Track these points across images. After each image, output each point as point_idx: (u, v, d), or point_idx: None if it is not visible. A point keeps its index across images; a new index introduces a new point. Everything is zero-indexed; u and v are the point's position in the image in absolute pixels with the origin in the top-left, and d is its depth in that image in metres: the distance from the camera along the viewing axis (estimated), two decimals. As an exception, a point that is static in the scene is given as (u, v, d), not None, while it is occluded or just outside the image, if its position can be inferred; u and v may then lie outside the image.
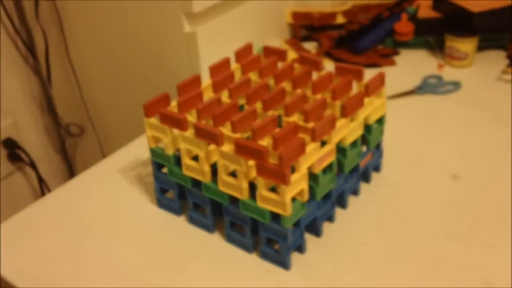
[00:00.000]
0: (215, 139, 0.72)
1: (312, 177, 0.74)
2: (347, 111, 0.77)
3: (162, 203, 0.87)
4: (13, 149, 1.44)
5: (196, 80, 0.84)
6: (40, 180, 1.50)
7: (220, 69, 0.88)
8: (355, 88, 0.86)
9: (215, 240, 0.81)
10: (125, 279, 0.75)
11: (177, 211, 0.85)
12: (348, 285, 0.72)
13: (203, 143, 0.75)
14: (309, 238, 0.79)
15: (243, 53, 0.92)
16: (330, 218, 0.82)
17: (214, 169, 0.77)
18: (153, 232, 0.83)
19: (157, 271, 0.76)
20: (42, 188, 1.52)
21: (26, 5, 1.37)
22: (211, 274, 0.75)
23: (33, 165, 1.47)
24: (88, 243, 0.81)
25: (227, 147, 0.72)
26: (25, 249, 0.81)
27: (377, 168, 0.92)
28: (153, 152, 0.83)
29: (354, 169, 0.85)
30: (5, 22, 1.36)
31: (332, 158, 0.76)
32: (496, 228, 0.79)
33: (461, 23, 1.22)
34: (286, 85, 0.87)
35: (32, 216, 0.88)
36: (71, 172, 1.63)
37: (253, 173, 0.72)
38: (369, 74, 1.22)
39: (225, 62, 0.89)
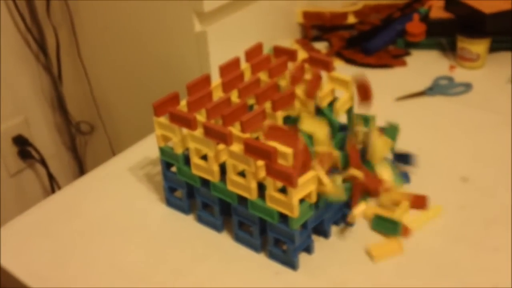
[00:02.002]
0: (224, 138, 0.72)
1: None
2: None
3: (171, 202, 0.87)
4: (24, 146, 1.45)
5: (206, 79, 0.84)
6: (50, 177, 1.51)
7: (229, 69, 0.88)
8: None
9: (224, 240, 0.81)
10: (133, 278, 0.75)
11: (185, 210, 0.86)
12: (355, 286, 0.72)
13: (212, 142, 0.75)
14: (317, 239, 0.79)
15: (253, 53, 0.91)
16: (338, 220, 0.82)
17: (222, 168, 0.77)
18: (161, 231, 0.83)
19: (165, 270, 0.76)
20: (52, 185, 1.52)
21: (37, 3, 1.38)
22: (219, 274, 0.75)
23: (43, 162, 1.48)
24: (97, 241, 0.82)
25: (236, 147, 0.72)
26: (34, 247, 0.81)
27: (386, 170, 0.92)
28: (162, 151, 0.83)
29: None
30: (17, 20, 1.37)
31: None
32: (506, 231, 0.78)
33: (473, 24, 1.21)
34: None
35: (41, 213, 0.88)
36: (81, 169, 1.63)
37: (262, 173, 0.72)
38: (380, 74, 1.22)
39: (235, 62, 0.89)
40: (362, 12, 1.40)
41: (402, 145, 0.94)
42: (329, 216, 0.78)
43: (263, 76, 0.89)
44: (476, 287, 0.70)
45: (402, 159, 0.91)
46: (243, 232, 0.79)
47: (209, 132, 0.74)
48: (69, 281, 0.75)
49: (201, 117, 0.79)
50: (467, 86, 1.14)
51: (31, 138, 1.46)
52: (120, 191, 0.92)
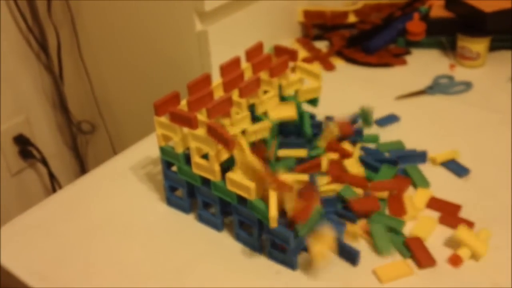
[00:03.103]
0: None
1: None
2: None
3: (172, 201, 0.87)
4: (25, 145, 1.45)
5: (207, 79, 0.84)
6: (52, 176, 1.51)
7: (230, 68, 0.88)
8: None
9: (224, 239, 0.81)
10: (133, 277, 0.75)
11: (186, 209, 0.86)
12: (356, 285, 0.72)
13: (213, 141, 0.75)
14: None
15: (254, 52, 0.92)
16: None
17: (223, 168, 0.77)
18: (162, 230, 0.83)
19: (166, 269, 0.76)
20: (53, 184, 1.53)
21: (38, 3, 1.38)
22: (219, 273, 0.75)
23: (44, 162, 1.48)
24: (98, 241, 0.82)
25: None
26: (35, 246, 0.81)
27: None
28: (162, 150, 0.84)
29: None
30: (18, 20, 1.37)
31: None
32: (506, 230, 0.78)
33: (473, 23, 1.21)
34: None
35: (42, 213, 0.88)
36: (82, 169, 1.64)
37: None
38: (380, 73, 1.22)
39: (236, 61, 0.89)
40: (363, 11, 1.40)
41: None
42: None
43: (263, 75, 0.89)
44: (476, 286, 0.70)
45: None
46: (244, 231, 0.79)
47: (211, 131, 0.74)
48: (70, 280, 0.75)
49: (202, 116, 0.80)
50: (467, 85, 1.14)
51: (32, 137, 1.47)
52: (121, 190, 0.92)
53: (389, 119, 1.04)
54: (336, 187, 0.83)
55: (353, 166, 0.88)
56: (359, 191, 0.84)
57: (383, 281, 0.71)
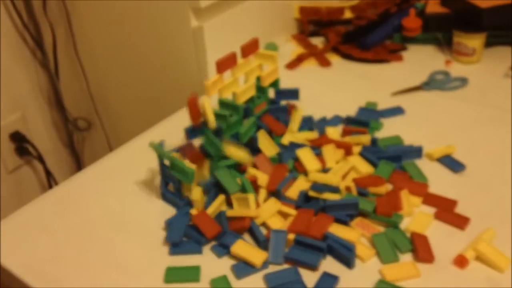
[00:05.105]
0: None
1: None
2: None
3: (167, 197, 0.87)
4: (21, 142, 1.45)
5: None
6: (48, 173, 1.51)
7: (226, 64, 0.88)
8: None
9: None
10: (130, 272, 0.75)
11: (180, 205, 0.85)
12: (359, 285, 0.72)
13: None
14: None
15: (249, 48, 0.92)
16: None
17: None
18: (157, 225, 0.83)
19: (163, 265, 0.76)
20: (50, 181, 1.53)
21: (34, 1, 1.38)
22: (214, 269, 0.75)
23: (40, 159, 1.48)
24: (94, 236, 0.82)
25: None
26: (30, 242, 0.81)
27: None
28: (156, 147, 0.84)
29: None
30: (14, 17, 1.37)
31: None
32: (502, 225, 0.78)
33: (469, 19, 1.21)
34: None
35: (38, 209, 0.88)
36: (78, 166, 1.64)
37: None
38: (376, 69, 1.22)
39: (231, 57, 0.89)
40: (359, 7, 1.40)
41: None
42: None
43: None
44: (471, 281, 0.70)
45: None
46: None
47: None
48: (65, 276, 0.75)
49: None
50: (463, 81, 1.14)
51: (29, 134, 1.47)
52: (117, 186, 0.92)
53: (394, 112, 1.05)
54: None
55: (360, 164, 0.88)
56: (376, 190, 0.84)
57: (387, 281, 0.71)
